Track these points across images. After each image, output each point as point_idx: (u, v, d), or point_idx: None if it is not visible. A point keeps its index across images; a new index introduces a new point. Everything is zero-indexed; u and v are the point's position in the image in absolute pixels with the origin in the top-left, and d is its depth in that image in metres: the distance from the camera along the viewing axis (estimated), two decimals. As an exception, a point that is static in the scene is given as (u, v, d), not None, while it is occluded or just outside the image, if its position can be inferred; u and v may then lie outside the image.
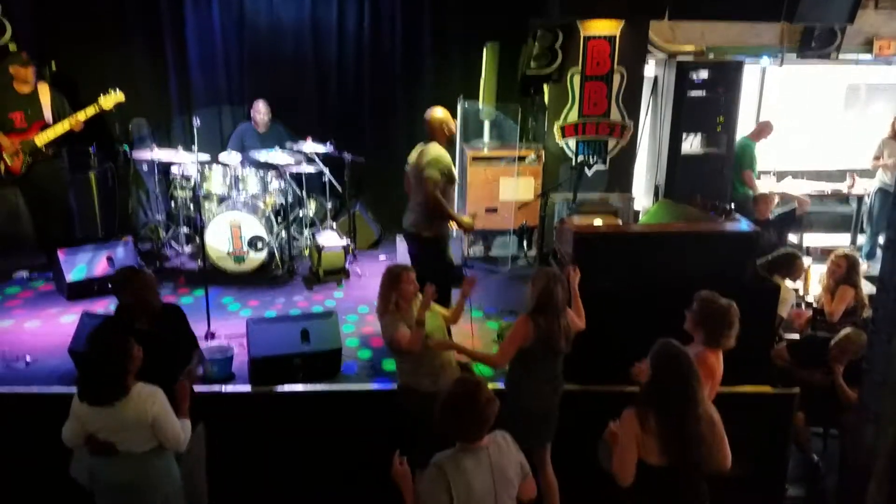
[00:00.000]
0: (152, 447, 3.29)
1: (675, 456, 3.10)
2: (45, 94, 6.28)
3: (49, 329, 5.52)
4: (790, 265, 5.46)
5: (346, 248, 6.70)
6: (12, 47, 6.47)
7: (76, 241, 6.35)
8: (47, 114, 6.23)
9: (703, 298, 3.71)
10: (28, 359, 5.01)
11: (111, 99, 5.83)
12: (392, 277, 4.06)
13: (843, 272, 5.49)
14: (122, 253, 6.30)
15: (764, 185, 7.82)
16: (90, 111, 6.12)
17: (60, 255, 6.01)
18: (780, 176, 8.25)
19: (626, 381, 3.96)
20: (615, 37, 7.01)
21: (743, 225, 5.11)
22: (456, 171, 7.23)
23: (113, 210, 7.16)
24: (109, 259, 6.15)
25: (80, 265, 6.04)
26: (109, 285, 4.13)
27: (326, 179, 6.91)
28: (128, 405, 3.19)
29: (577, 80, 7.09)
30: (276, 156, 6.77)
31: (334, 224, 7.04)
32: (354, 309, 6.04)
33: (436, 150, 5.14)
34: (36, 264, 6.56)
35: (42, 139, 6.17)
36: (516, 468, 3.00)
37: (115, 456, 3.24)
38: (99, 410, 3.18)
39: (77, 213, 6.75)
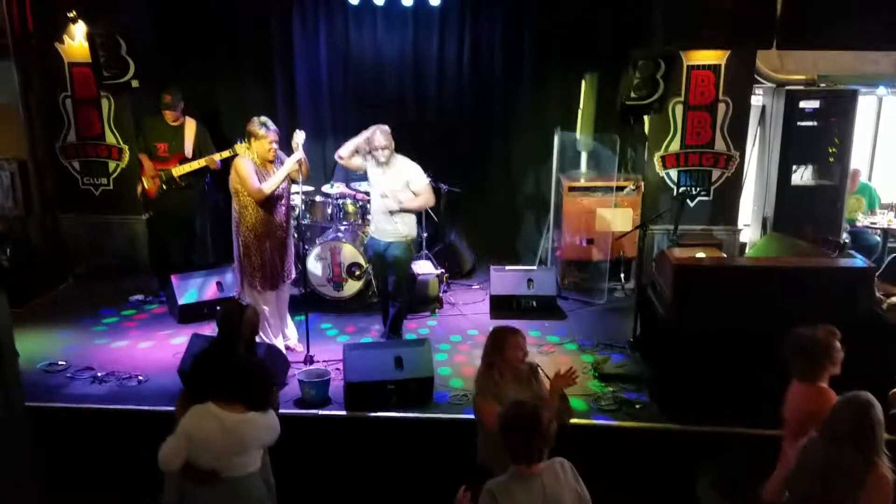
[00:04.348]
0: (253, 469, 3.28)
1: None
2: (190, 128, 6.71)
3: (160, 350, 5.80)
4: None
5: (439, 277, 6.77)
6: (134, 83, 6.94)
7: (192, 266, 6.69)
8: (188, 147, 6.66)
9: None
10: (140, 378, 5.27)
11: (244, 147, 6.07)
12: (495, 340, 3.62)
13: None
14: (231, 279, 6.57)
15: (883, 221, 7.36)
16: (226, 154, 6.40)
17: (174, 280, 6.34)
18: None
19: (724, 422, 3.80)
20: (720, 66, 6.87)
21: (857, 260, 4.82)
22: (552, 201, 7.33)
23: (224, 238, 7.52)
24: (219, 284, 6.46)
25: (191, 290, 6.36)
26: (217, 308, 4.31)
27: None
28: (251, 428, 3.20)
29: (679, 109, 6.97)
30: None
31: (429, 253, 7.13)
32: (447, 338, 6.06)
33: None
34: (149, 288, 6.95)
35: (179, 170, 6.60)
36: (573, 497, 2.89)
37: (216, 482, 3.17)
38: (224, 431, 3.13)
39: (195, 241, 7.12)
